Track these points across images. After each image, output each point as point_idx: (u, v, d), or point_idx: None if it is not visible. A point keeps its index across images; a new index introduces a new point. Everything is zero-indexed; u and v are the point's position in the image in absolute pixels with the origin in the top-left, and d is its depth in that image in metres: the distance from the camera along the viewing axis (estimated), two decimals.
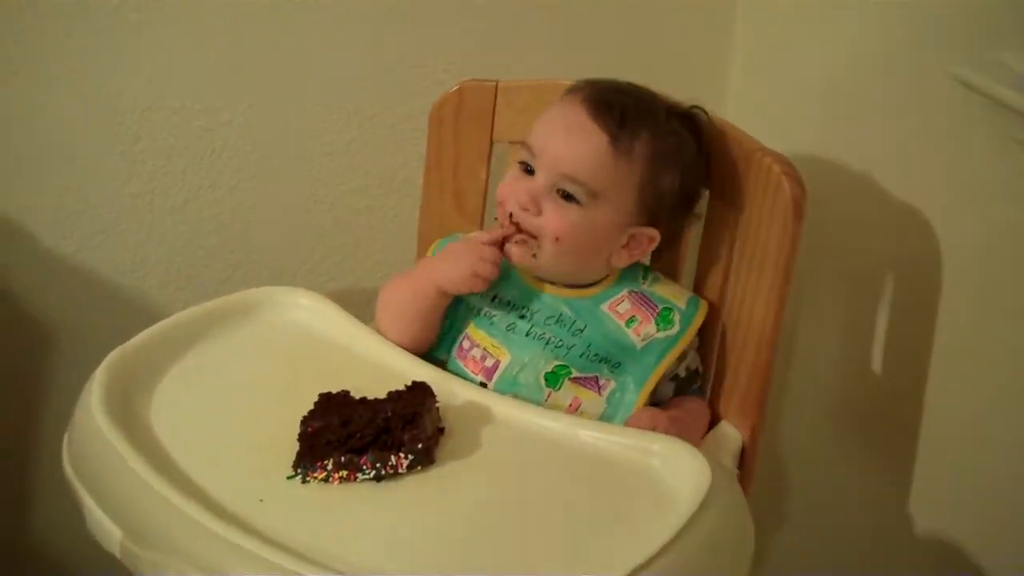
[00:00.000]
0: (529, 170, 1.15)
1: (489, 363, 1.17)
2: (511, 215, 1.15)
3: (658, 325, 1.18)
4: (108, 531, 0.98)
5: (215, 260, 1.48)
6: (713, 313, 1.23)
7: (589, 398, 1.16)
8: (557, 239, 1.14)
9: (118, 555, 0.98)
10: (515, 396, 1.14)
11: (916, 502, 1.38)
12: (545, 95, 1.24)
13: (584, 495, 1.02)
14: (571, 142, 1.13)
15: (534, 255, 1.15)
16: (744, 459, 1.20)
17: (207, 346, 1.18)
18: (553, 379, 1.16)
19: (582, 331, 1.17)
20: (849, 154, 1.40)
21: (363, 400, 1.07)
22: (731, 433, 1.21)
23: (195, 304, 1.23)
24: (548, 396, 1.16)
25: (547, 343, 1.16)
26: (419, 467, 1.03)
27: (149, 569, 0.95)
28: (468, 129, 1.33)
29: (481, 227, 1.33)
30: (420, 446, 1.02)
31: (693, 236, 1.27)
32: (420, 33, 1.45)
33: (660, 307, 1.18)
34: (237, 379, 1.14)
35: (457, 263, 1.15)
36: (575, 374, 1.16)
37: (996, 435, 1.26)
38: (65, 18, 1.32)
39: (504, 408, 1.11)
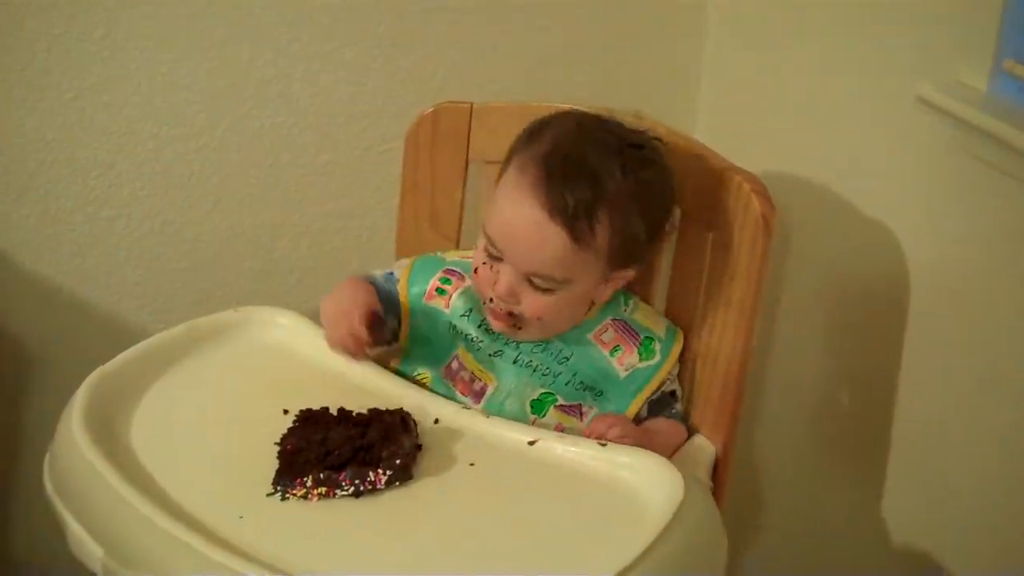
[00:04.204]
0: (497, 258, 1.13)
1: (477, 386, 1.19)
2: (491, 300, 1.15)
3: (640, 355, 1.19)
4: (89, 550, 0.99)
5: (192, 282, 1.49)
6: (686, 327, 1.24)
7: (572, 424, 1.18)
8: (540, 319, 1.15)
9: (100, 574, 0.99)
10: None
11: (890, 512, 1.40)
12: (519, 116, 1.25)
13: (559, 509, 1.04)
14: (530, 244, 1.10)
15: (519, 328, 1.16)
16: (717, 471, 1.22)
17: (187, 365, 1.18)
18: (539, 406, 1.18)
19: (568, 360, 1.18)
20: (817, 172, 1.42)
21: (341, 417, 1.08)
22: (704, 445, 1.22)
23: (173, 325, 1.24)
24: (533, 422, 1.17)
25: (534, 371, 1.18)
26: (397, 483, 1.04)
27: None
28: (444, 150, 1.34)
29: (457, 247, 1.35)
30: (398, 462, 1.03)
31: (665, 253, 1.29)
32: (396, 56, 1.47)
33: (642, 336, 1.20)
34: (216, 398, 1.15)
35: (336, 325, 1.15)
36: (560, 402, 1.18)
37: (967, 443, 1.28)
38: (45, 43, 1.33)
39: (481, 424, 1.13)
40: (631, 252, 1.15)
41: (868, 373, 1.40)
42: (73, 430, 1.05)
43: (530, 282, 1.12)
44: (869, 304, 1.39)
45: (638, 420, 1.20)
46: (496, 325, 1.17)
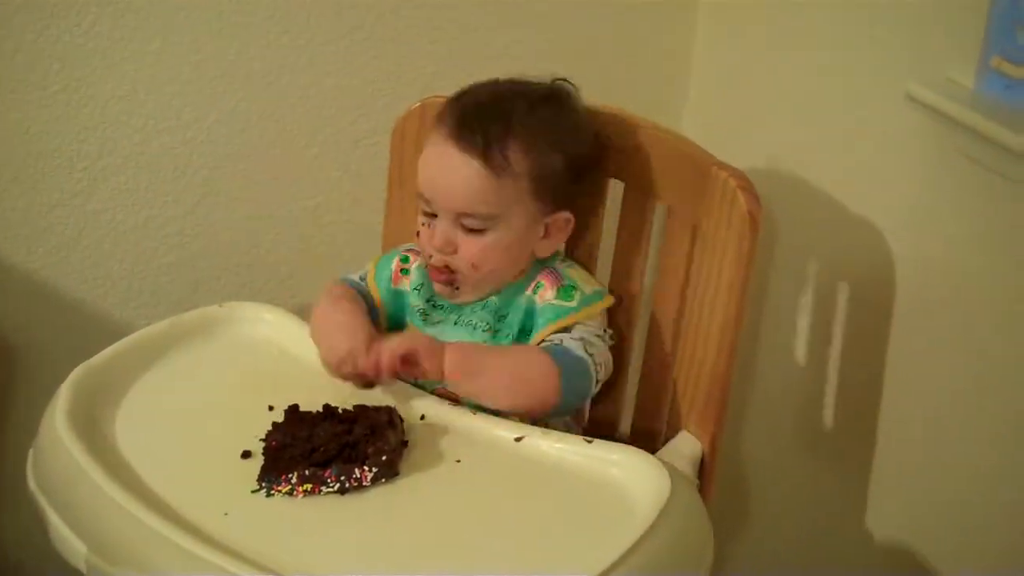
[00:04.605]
0: (431, 214, 1.18)
1: None
2: (431, 258, 1.18)
3: (558, 294, 1.20)
4: (73, 547, 0.99)
5: (178, 276, 1.48)
6: (672, 324, 1.24)
7: None
8: (474, 266, 1.17)
9: (84, 570, 0.99)
10: None
11: (876, 508, 1.40)
12: None
13: (545, 505, 1.04)
14: (451, 182, 1.16)
15: (456, 287, 1.19)
16: (704, 467, 1.22)
17: (171, 361, 1.18)
18: None
19: (506, 317, 1.20)
20: (805, 168, 1.42)
21: (327, 414, 1.08)
22: (691, 442, 1.22)
23: (158, 320, 1.23)
24: None
25: (474, 328, 1.20)
26: (383, 480, 1.04)
27: None
28: None
29: None
30: (384, 459, 1.03)
31: (652, 246, 1.29)
32: (383, 50, 1.46)
33: (566, 282, 1.21)
34: (201, 394, 1.15)
35: (335, 349, 1.14)
36: None
37: (953, 441, 1.28)
38: (31, 36, 1.32)
39: (467, 421, 1.13)
40: (554, 187, 1.18)
41: (855, 369, 1.41)
42: (57, 426, 1.05)
43: (462, 226, 1.16)
44: (856, 301, 1.39)
45: None
46: (437, 287, 1.20)
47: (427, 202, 1.18)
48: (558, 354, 1.15)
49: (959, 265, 1.24)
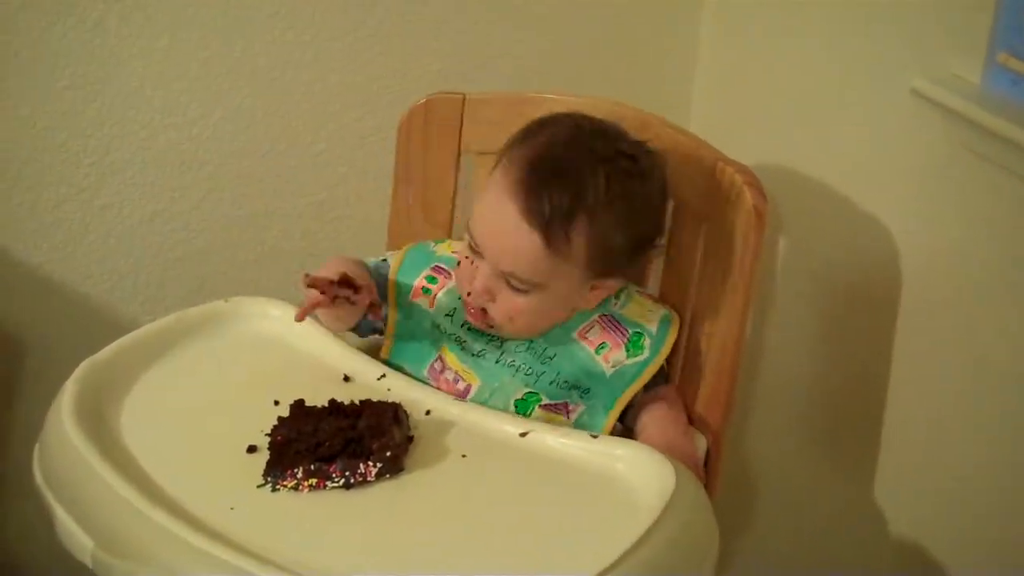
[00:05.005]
0: (478, 253, 1.13)
1: (461, 386, 1.18)
2: (468, 294, 1.15)
3: (628, 351, 1.17)
4: (79, 541, 0.99)
5: (184, 272, 1.49)
6: (679, 320, 1.24)
7: (558, 422, 1.17)
8: (511, 319, 1.14)
9: (90, 565, 0.99)
10: None
11: (879, 503, 1.40)
12: (512, 108, 1.26)
13: (551, 500, 1.04)
14: (505, 246, 1.10)
15: (490, 327, 1.16)
16: (709, 462, 1.22)
17: (177, 356, 1.18)
18: (523, 405, 1.17)
19: (552, 359, 1.17)
20: (811, 164, 1.42)
21: (333, 409, 1.08)
22: (697, 437, 1.22)
23: (164, 315, 1.23)
24: None
25: (517, 370, 1.17)
26: (388, 475, 1.04)
27: None
28: (436, 141, 1.34)
29: (450, 236, 1.34)
30: (388, 454, 1.03)
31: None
32: (389, 47, 1.46)
33: (630, 332, 1.18)
34: (207, 389, 1.15)
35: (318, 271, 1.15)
36: (545, 401, 1.17)
37: (958, 437, 1.28)
38: (37, 32, 1.32)
39: (472, 415, 1.13)
40: (611, 262, 1.13)
41: (860, 365, 1.41)
42: (63, 420, 1.05)
43: (507, 282, 1.12)
44: (862, 296, 1.39)
45: (625, 413, 1.19)
46: (471, 320, 1.17)
47: (475, 243, 1.13)
48: (662, 382, 1.18)
49: (965, 261, 1.24)
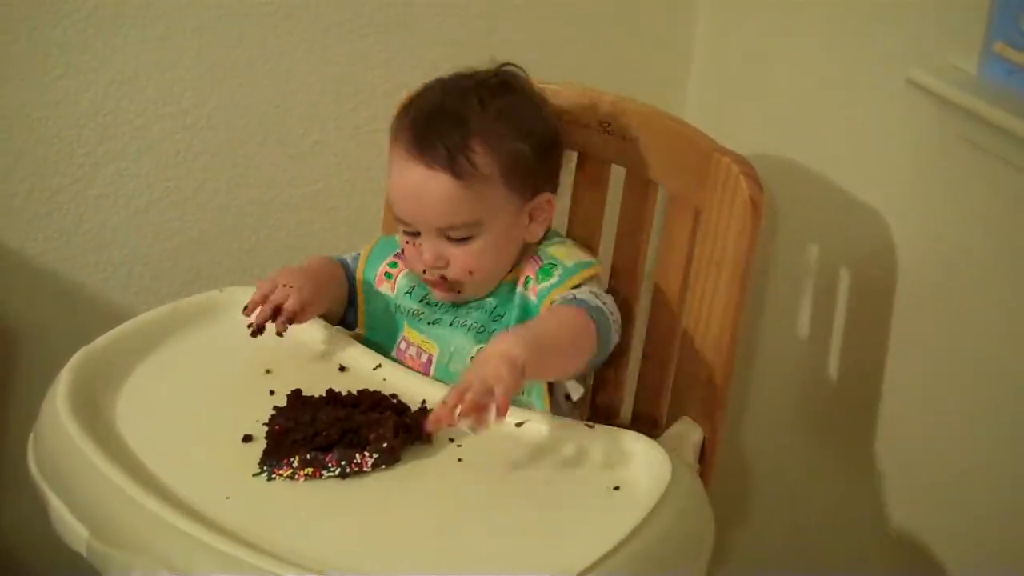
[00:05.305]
0: (414, 232, 1.16)
1: (424, 358, 1.20)
2: (424, 273, 1.17)
3: (539, 277, 1.19)
4: (75, 530, 0.99)
5: (179, 262, 1.48)
6: (674, 310, 1.24)
7: None
8: (470, 272, 1.16)
9: (85, 554, 0.99)
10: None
11: (876, 495, 1.40)
12: None
13: (546, 489, 1.04)
14: (424, 201, 1.14)
15: (458, 291, 1.18)
16: (705, 453, 1.22)
17: (172, 346, 1.18)
18: None
19: (502, 317, 1.19)
20: (807, 154, 1.42)
21: (329, 399, 1.08)
22: (692, 428, 1.22)
23: (159, 305, 1.23)
24: None
25: (469, 329, 1.19)
26: (384, 465, 1.04)
27: (116, 568, 0.96)
28: None
29: None
30: (385, 445, 1.03)
31: (653, 231, 1.29)
32: (385, 37, 1.46)
33: (544, 262, 1.20)
34: (202, 378, 1.15)
35: (270, 280, 1.18)
36: None
37: (954, 429, 1.28)
38: (32, 22, 1.32)
39: None
40: (526, 172, 1.16)
41: (856, 356, 1.41)
42: (58, 410, 1.05)
43: (448, 239, 1.15)
44: (858, 286, 1.39)
45: None
46: (438, 295, 1.19)
47: (406, 224, 1.16)
48: (582, 304, 1.14)
49: (961, 250, 1.24)
